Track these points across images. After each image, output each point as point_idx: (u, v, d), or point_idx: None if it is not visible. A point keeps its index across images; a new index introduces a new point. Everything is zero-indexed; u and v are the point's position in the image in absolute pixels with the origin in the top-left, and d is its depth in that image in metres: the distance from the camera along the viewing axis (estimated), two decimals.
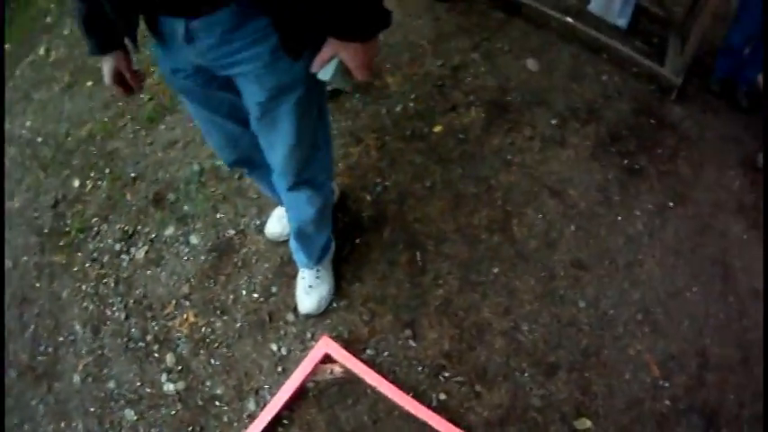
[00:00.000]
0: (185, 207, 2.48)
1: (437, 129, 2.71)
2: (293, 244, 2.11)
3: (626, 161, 2.87)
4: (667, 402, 2.22)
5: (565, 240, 2.50)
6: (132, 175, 2.61)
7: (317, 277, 2.17)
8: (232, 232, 2.42)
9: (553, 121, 2.89)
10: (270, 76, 1.27)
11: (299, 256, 2.15)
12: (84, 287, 2.38)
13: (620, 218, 2.63)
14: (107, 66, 1.43)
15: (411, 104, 2.79)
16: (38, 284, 2.48)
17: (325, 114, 1.61)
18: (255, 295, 2.26)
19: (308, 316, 2.19)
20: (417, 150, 2.63)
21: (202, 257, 2.36)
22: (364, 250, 2.38)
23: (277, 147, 1.52)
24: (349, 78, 1.28)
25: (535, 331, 2.24)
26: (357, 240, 2.39)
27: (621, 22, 3.60)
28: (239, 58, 1.23)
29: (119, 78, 1.47)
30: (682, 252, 2.65)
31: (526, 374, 2.14)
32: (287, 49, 1.20)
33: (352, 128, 2.68)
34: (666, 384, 2.26)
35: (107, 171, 2.65)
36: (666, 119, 3.21)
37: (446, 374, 2.12)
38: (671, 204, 2.79)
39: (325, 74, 1.26)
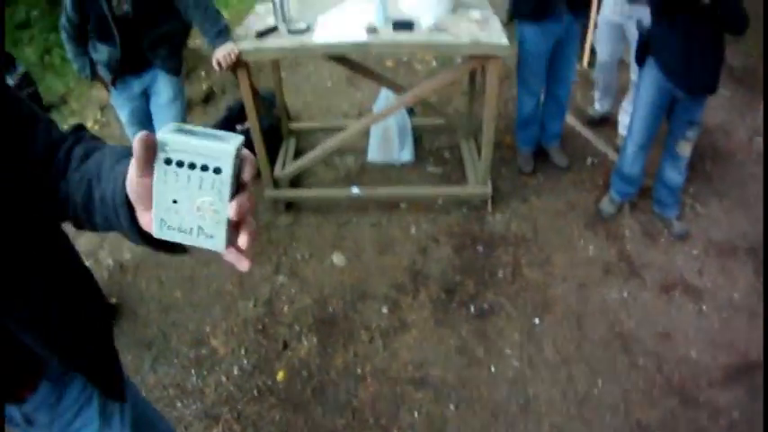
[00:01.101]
0: None
1: (280, 375, 2.74)
2: None
3: (472, 308, 2.96)
4: None
5: (451, 424, 2.50)
6: None
7: None
8: None
9: (384, 310, 2.97)
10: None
11: None
12: None
13: (493, 369, 2.69)
14: None
15: (245, 361, 2.82)
16: None
17: None
18: None
19: None
20: (272, 406, 2.63)
21: None
22: None
23: None
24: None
25: None
26: None
27: (406, 156, 3.84)
28: (76, 427, 1.35)
29: None
30: (569, 358, 2.72)
31: None
32: (112, 396, 1.34)
33: (204, 407, 2.68)
34: None
35: None
36: (493, 236, 3.35)
37: None
38: (536, 321, 2.88)
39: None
